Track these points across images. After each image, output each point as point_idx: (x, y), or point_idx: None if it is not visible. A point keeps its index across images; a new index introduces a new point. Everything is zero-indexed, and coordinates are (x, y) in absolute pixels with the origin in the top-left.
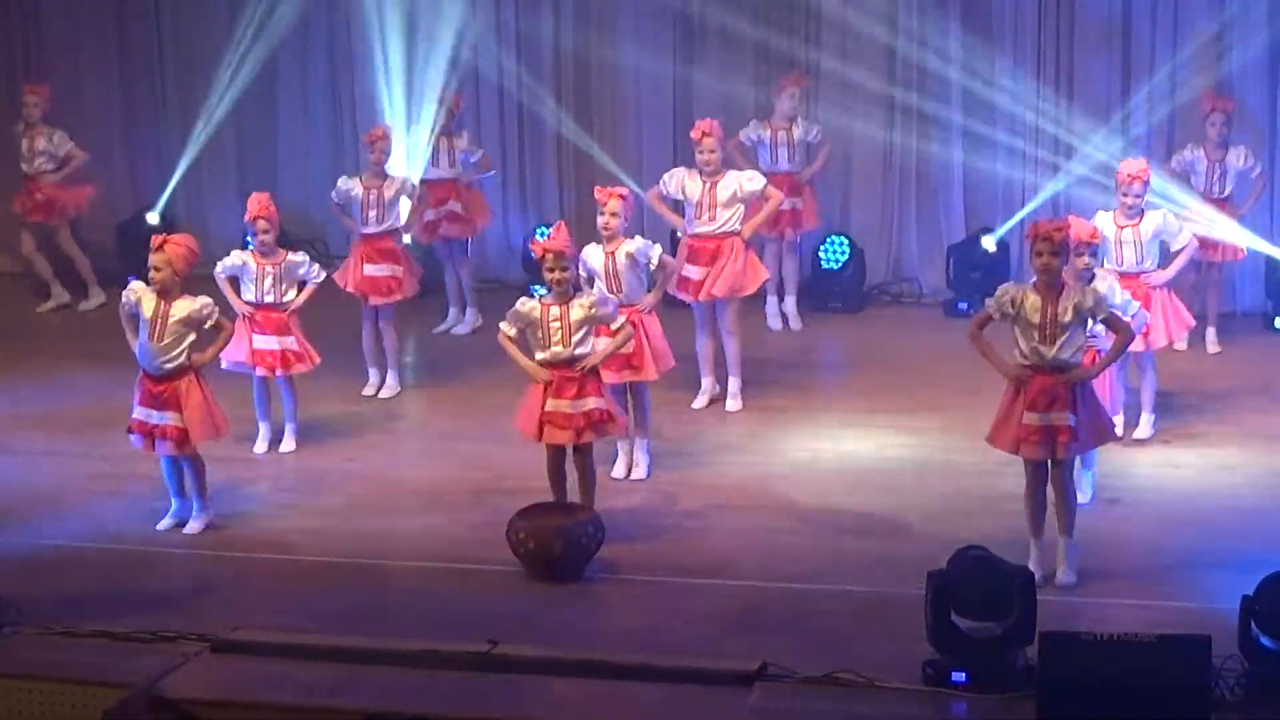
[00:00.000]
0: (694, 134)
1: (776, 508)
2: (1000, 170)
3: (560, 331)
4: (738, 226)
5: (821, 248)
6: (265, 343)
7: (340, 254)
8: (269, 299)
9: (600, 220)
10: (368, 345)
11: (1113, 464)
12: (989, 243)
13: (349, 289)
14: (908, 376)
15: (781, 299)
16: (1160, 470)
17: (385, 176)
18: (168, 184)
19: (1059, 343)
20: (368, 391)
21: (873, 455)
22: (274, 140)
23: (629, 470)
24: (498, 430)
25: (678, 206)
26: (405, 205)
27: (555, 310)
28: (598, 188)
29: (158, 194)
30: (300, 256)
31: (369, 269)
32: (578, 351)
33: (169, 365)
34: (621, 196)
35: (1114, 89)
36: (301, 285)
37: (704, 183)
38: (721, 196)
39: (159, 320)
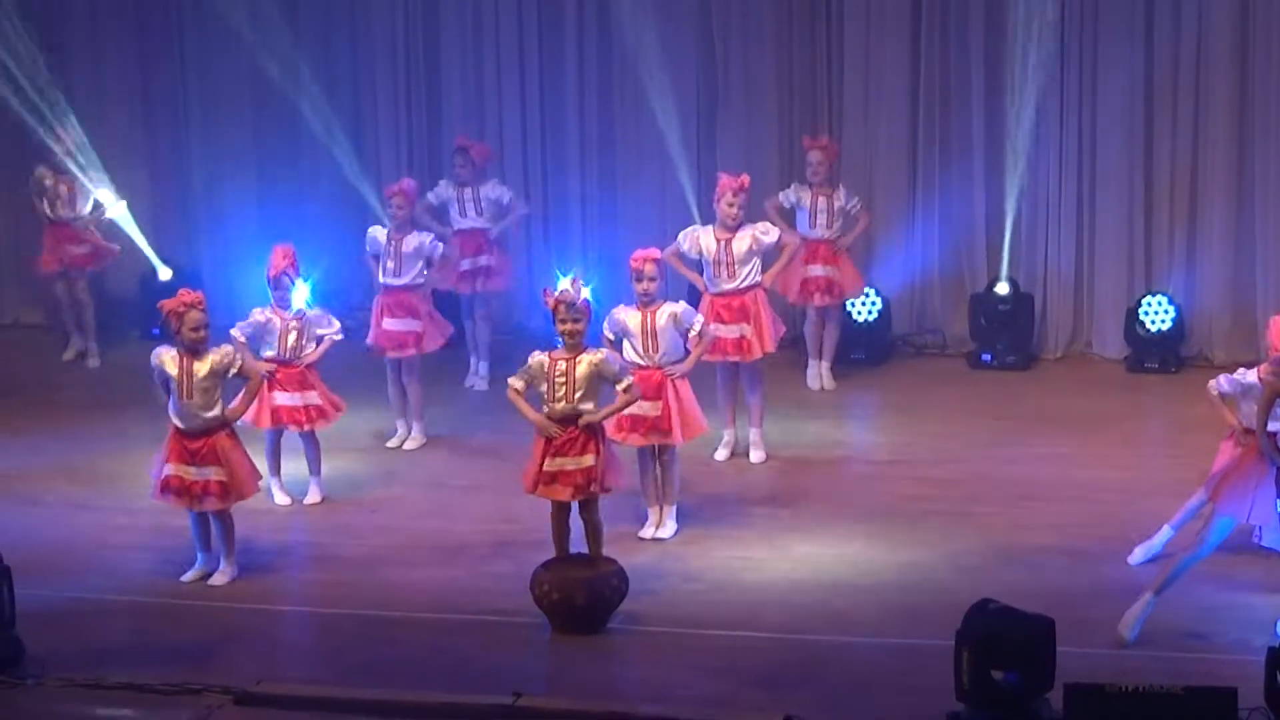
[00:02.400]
0: (720, 189)
1: (796, 559)
2: (1025, 219)
3: (564, 386)
4: (758, 279)
5: (850, 301)
6: (288, 399)
7: (361, 306)
8: (291, 356)
9: (639, 287)
10: (394, 397)
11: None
12: (1002, 288)
13: (370, 342)
14: (931, 427)
15: (820, 360)
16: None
17: (409, 230)
18: (188, 238)
19: None
20: (392, 443)
21: (894, 507)
22: (298, 195)
23: (655, 531)
24: (521, 482)
25: (694, 265)
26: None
27: (562, 365)
28: (634, 255)
29: (178, 247)
30: (319, 312)
31: (388, 323)
32: (581, 407)
33: (207, 420)
34: (656, 260)
35: (1135, 151)
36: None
37: (719, 240)
38: (738, 251)
39: (186, 378)
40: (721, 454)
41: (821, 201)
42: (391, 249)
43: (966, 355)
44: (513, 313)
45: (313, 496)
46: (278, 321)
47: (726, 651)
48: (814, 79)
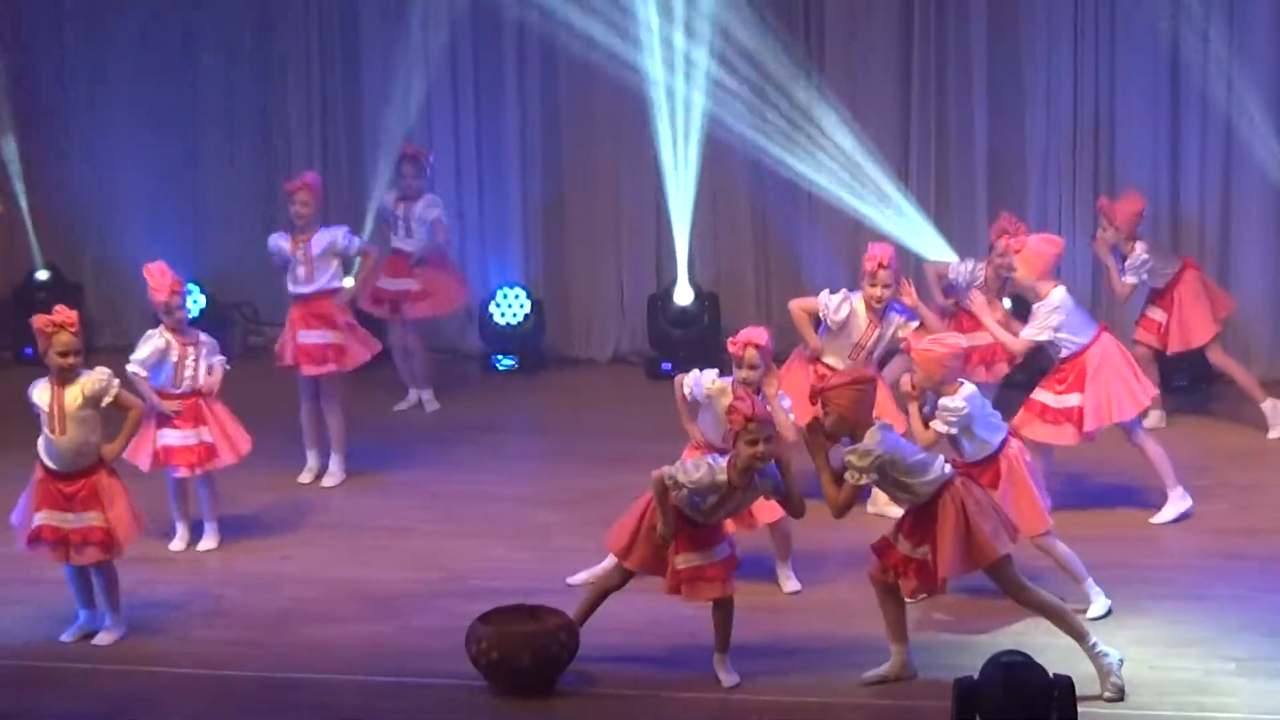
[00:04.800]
0: (867, 264)
1: (775, 607)
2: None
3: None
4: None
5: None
6: (178, 438)
7: (272, 320)
8: (187, 385)
9: (738, 375)
10: (306, 423)
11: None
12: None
13: (286, 362)
14: None
15: None
16: (1215, 562)
17: (315, 228)
18: (71, 239)
19: None
20: (304, 478)
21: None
22: (196, 190)
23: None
24: (455, 523)
25: (817, 324)
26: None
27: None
28: (730, 339)
29: (60, 249)
30: (206, 337)
31: (303, 335)
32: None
33: (82, 461)
34: (759, 346)
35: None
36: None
37: (869, 319)
38: (877, 340)
39: (57, 408)
40: None
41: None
42: (299, 253)
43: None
44: (443, 332)
45: (209, 542)
46: (176, 348)
47: (692, 714)
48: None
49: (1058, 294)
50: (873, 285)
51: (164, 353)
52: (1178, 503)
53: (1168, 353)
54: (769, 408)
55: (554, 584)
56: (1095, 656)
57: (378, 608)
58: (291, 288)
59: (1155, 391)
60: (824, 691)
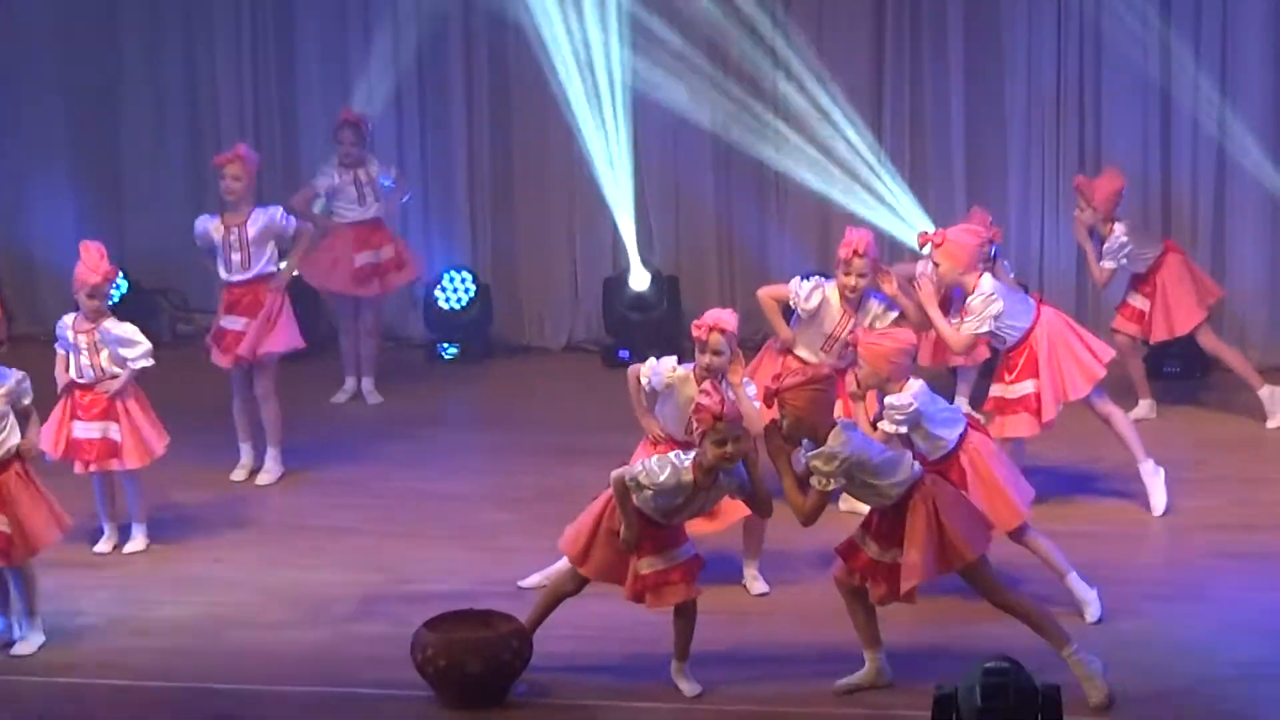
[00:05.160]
0: (841, 251)
1: (740, 610)
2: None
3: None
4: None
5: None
6: (84, 430)
7: (202, 308)
8: (87, 376)
9: (701, 360)
10: (238, 418)
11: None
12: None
13: (214, 352)
14: None
15: None
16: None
17: (250, 207)
18: None
19: None
20: (237, 475)
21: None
22: (118, 168)
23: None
24: (397, 522)
25: (790, 314)
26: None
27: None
28: (695, 322)
29: None
30: (124, 330)
31: (230, 321)
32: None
33: None
34: (724, 331)
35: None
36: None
37: (843, 309)
38: (852, 331)
39: None
40: None
41: None
42: (233, 237)
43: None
44: (384, 318)
45: (136, 544)
46: (71, 333)
47: None
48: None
49: (987, 282)
50: (847, 274)
51: (73, 344)
52: (1152, 478)
53: (1150, 342)
54: (734, 397)
55: (504, 587)
56: (1077, 663)
57: (315, 613)
58: (224, 275)
59: (1112, 353)
60: (792, 701)
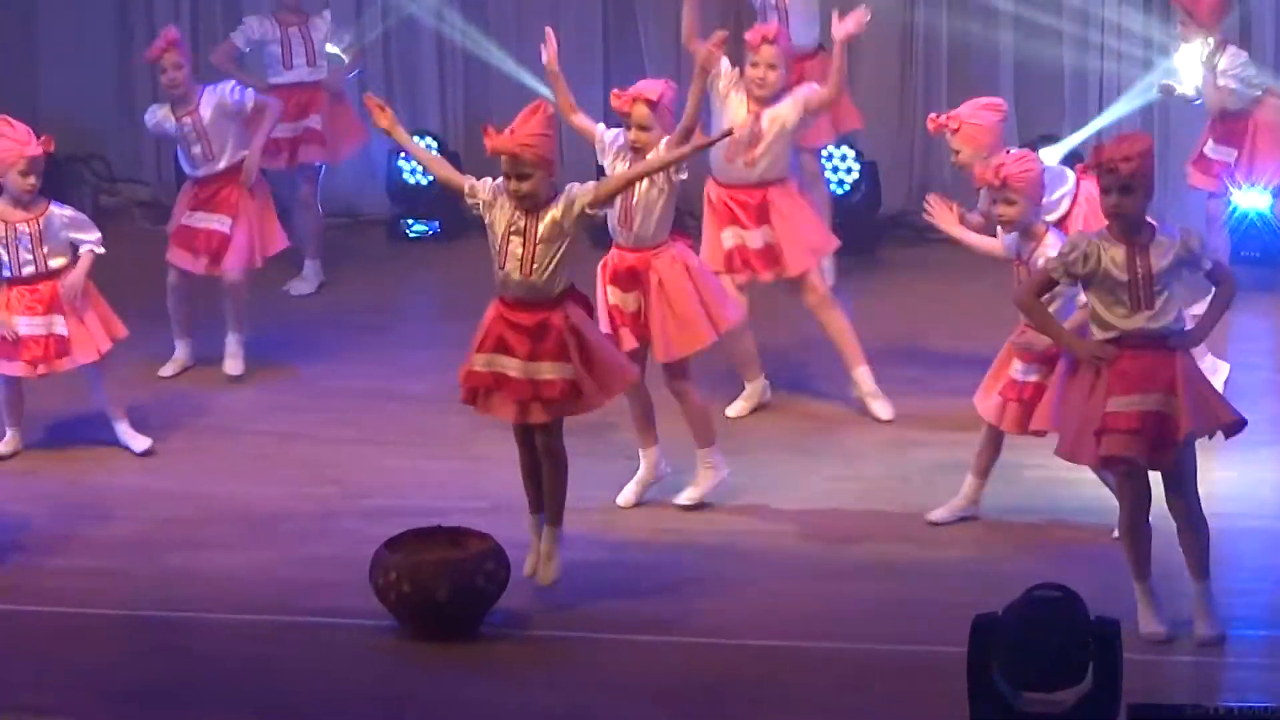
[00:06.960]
0: (750, 38)
1: (756, 531)
2: (1068, 59)
3: (524, 249)
4: (785, 174)
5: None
6: (28, 326)
7: (127, 177)
8: (28, 270)
9: (628, 136)
10: (174, 309)
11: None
12: (1052, 156)
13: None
14: (939, 349)
15: None
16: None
17: (196, 94)
18: None
19: (1158, 305)
20: (167, 371)
21: (902, 467)
22: (31, 13)
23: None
24: (352, 428)
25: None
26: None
27: (521, 222)
28: (615, 91)
29: None
30: (69, 213)
31: (199, 220)
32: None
33: None
34: (650, 101)
35: None
36: (74, 248)
37: (751, 108)
38: (769, 130)
39: None
40: (737, 408)
41: None
42: (187, 129)
43: None
44: (338, 191)
45: (138, 442)
46: (24, 226)
47: (648, 663)
48: None
49: (1052, 240)
50: (754, 65)
51: None
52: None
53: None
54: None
55: (476, 501)
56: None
57: (260, 531)
58: (189, 170)
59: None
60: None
